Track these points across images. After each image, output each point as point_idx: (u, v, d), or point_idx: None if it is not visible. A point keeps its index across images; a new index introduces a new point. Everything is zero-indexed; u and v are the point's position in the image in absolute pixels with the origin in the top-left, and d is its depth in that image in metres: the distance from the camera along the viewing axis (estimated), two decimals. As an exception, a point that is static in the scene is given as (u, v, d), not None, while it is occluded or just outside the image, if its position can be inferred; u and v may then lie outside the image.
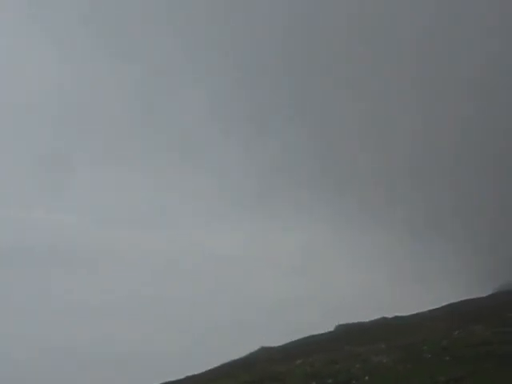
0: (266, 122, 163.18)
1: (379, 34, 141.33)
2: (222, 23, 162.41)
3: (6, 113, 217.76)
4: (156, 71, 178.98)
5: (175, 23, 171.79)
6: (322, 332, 73.10)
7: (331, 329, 76.14)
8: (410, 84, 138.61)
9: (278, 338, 73.98)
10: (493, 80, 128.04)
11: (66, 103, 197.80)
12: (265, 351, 68.39)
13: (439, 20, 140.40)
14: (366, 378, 40.89)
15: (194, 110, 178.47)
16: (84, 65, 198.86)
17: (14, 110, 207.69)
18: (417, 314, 71.70)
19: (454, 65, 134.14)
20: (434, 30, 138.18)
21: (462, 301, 75.52)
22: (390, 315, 75.02)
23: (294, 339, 71.48)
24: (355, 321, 76.52)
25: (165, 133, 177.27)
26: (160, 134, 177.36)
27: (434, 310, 72.93)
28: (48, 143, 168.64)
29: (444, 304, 75.49)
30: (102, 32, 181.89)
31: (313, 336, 71.19)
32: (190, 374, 61.62)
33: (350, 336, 63.14)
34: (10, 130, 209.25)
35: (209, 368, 62.56)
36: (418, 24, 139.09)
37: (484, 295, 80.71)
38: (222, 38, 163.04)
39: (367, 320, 74.89)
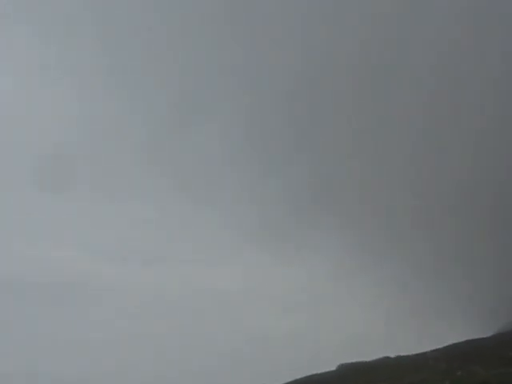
0: (268, 160, 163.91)
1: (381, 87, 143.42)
2: (232, 67, 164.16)
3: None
4: (159, 109, 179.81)
5: (187, 63, 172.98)
6: (324, 371, 72.98)
7: (333, 367, 76.00)
8: (410, 127, 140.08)
9: (279, 376, 73.96)
10: (494, 129, 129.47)
11: (69, 133, 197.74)
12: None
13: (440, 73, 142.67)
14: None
15: (197, 146, 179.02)
16: (89, 98, 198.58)
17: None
18: (419, 354, 71.72)
19: (456, 114, 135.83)
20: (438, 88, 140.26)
21: (464, 341, 75.56)
22: (392, 355, 75.01)
23: (295, 377, 71.45)
24: (358, 360, 76.40)
25: (165, 167, 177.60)
26: (160, 169, 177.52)
27: (436, 349, 72.98)
28: (47, 172, 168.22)
29: (446, 344, 75.51)
30: (112, 65, 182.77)
31: (315, 375, 71.15)
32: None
33: (352, 375, 63.31)
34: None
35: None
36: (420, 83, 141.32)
37: (486, 336, 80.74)
38: (229, 83, 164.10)
39: (370, 359, 74.82)
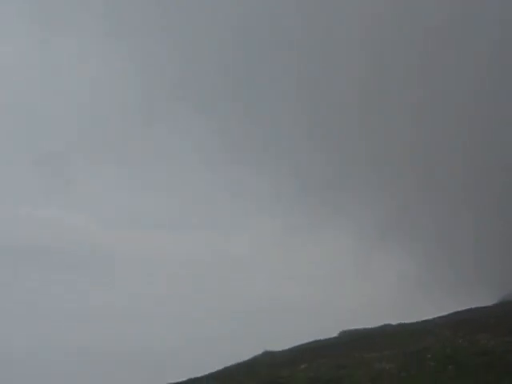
0: (281, 136, 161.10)
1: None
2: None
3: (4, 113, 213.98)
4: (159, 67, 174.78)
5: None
6: (327, 337, 72.85)
7: (335, 334, 75.89)
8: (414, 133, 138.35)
9: (281, 343, 73.78)
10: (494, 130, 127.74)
11: (72, 103, 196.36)
12: (268, 355, 68.25)
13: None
14: (369, 384, 40.93)
15: (216, 122, 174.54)
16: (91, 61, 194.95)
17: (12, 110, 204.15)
18: (422, 322, 71.34)
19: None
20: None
21: (468, 309, 74.99)
22: (394, 322, 74.74)
23: (297, 344, 71.26)
24: (360, 327, 76.22)
25: (177, 134, 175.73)
26: (170, 135, 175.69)
27: (439, 317, 72.49)
28: (48, 144, 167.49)
29: (450, 312, 75.04)
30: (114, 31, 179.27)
31: (317, 341, 70.99)
32: (192, 375, 61.62)
33: (354, 342, 63.01)
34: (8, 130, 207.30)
35: (211, 371, 62.50)
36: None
37: (491, 304, 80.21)
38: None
39: (371, 326, 74.59)
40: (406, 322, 73.55)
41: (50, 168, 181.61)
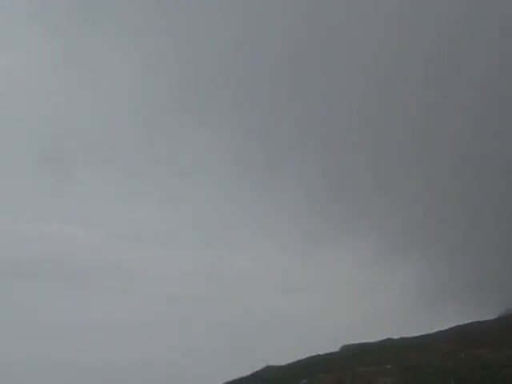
0: (285, 159, 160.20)
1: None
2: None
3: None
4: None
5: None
6: (328, 352, 72.74)
7: (337, 349, 75.79)
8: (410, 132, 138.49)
9: (283, 357, 73.63)
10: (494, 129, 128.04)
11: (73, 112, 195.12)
12: (270, 370, 68.15)
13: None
14: (371, 398, 40.97)
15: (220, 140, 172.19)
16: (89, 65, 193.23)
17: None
18: (423, 336, 71.29)
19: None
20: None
21: (469, 323, 75.00)
22: (396, 336, 74.66)
23: (299, 358, 71.15)
24: (361, 341, 76.12)
25: (177, 145, 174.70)
26: (172, 146, 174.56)
27: (440, 331, 72.48)
28: (48, 155, 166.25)
29: (451, 326, 75.03)
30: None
31: (318, 355, 70.88)
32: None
33: (355, 356, 62.94)
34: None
35: (213, 386, 62.42)
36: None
37: (492, 318, 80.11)
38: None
39: (373, 340, 74.50)
40: (407, 336, 73.50)
41: (50, 177, 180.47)
